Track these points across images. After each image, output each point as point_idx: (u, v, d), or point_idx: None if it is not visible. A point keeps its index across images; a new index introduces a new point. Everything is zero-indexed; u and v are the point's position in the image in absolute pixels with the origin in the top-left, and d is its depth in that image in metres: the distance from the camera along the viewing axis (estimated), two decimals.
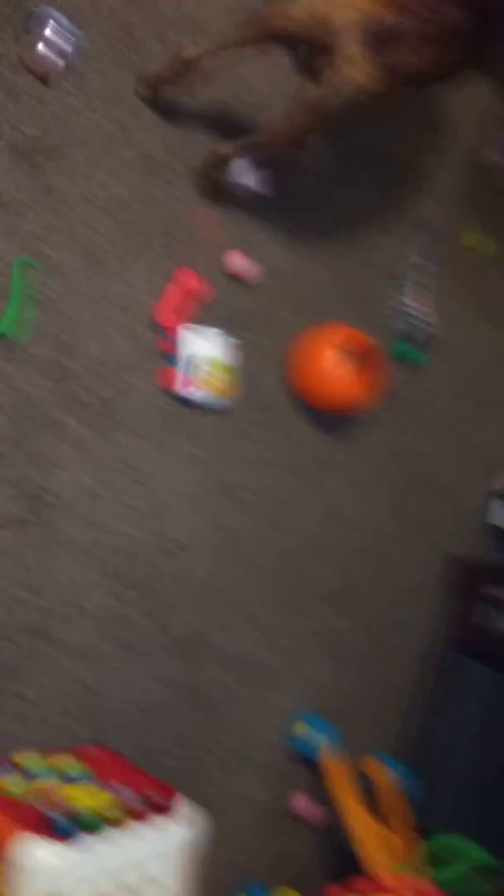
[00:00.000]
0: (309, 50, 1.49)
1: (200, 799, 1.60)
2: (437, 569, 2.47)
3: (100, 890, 1.24)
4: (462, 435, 2.64)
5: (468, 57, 1.62)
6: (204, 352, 1.69)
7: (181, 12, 1.78)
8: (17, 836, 1.17)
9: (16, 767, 1.43)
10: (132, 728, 1.69)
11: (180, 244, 1.74)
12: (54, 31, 1.47)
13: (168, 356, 1.68)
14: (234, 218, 1.87)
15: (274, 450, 1.95)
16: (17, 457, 1.52)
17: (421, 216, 2.52)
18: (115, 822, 1.29)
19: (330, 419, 2.10)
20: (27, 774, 1.40)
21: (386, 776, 2.07)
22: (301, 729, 1.97)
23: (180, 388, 1.66)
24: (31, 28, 1.46)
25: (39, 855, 1.16)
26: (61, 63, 1.52)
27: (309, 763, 1.99)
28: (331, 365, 1.87)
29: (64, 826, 1.23)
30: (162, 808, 1.39)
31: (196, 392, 1.69)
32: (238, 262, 1.83)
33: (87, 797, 1.35)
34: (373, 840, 1.81)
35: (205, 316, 1.78)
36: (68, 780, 1.41)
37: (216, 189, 1.80)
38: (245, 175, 1.85)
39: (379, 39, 1.41)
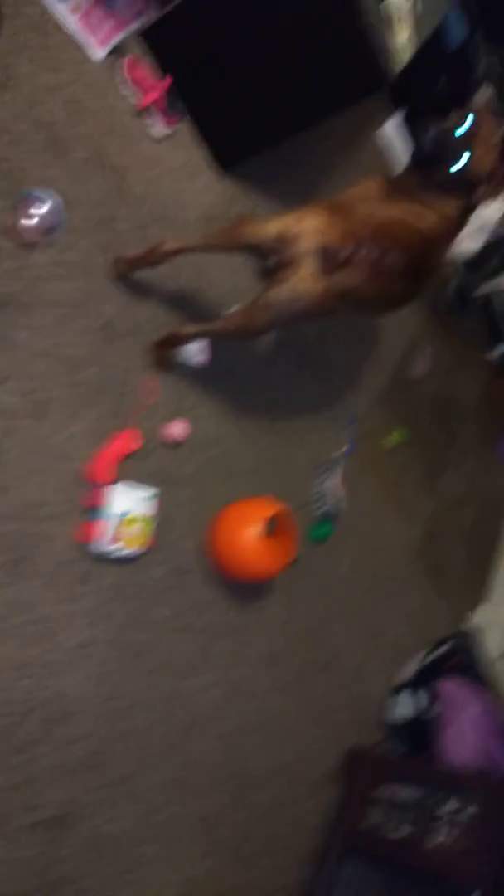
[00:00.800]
0: (273, 262, 1.71)
1: None
2: (337, 759, 2.41)
3: None
4: (370, 620, 2.71)
5: (405, 295, 1.89)
6: (135, 509, 1.73)
7: (165, 212, 2.02)
8: None
9: None
10: None
11: (127, 407, 1.84)
12: (48, 211, 1.63)
13: (92, 511, 1.70)
14: (180, 388, 2.01)
15: (188, 615, 1.94)
16: None
17: (350, 410, 2.76)
18: None
19: (246, 589, 2.13)
20: None
21: None
22: None
23: (107, 543, 1.67)
24: (26, 204, 1.62)
25: None
26: (48, 236, 1.69)
27: None
28: (254, 540, 1.93)
29: None
30: None
31: (122, 548, 1.70)
32: (178, 430, 1.94)
33: None
34: None
35: (141, 474, 1.84)
36: None
37: (168, 363, 1.95)
38: (196, 355, 2.01)
39: (335, 264, 1.64)
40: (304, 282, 1.66)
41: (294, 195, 2.43)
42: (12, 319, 1.60)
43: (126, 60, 1.94)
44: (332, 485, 2.51)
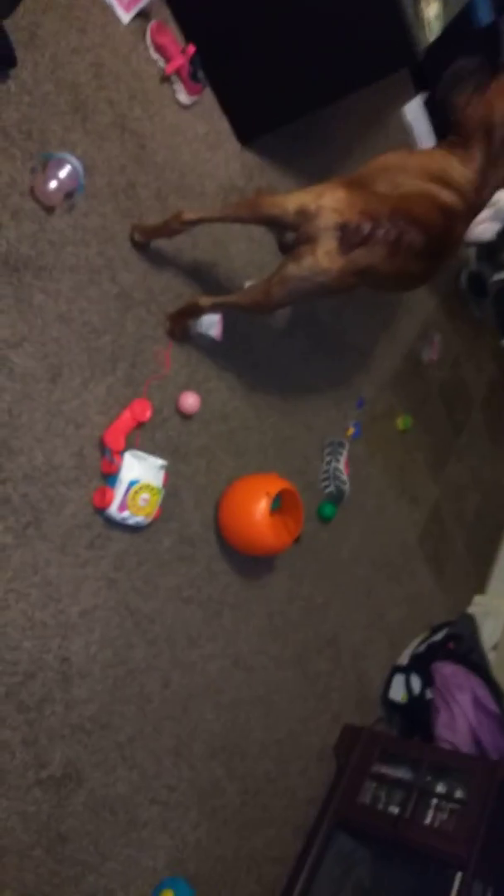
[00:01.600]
0: (292, 237, 1.70)
1: None
2: (332, 736, 2.43)
3: None
4: (370, 602, 2.72)
5: (422, 275, 1.88)
6: (144, 479, 1.74)
7: (183, 181, 2.01)
8: None
9: None
10: None
11: (141, 376, 1.84)
12: (68, 175, 1.62)
13: (107, 477, 1.71)
14: (192, 361, 2.00)
15: (192, 586, 1.95)
16: None
17: (359, 392, 2.75)
18: None
19: (251, 564, 2.14)
20: None
21: None
22: None
23: (115, 510, 1.68)
24: (48, 167, 1.61)
25: None
26: (67, 200, 1.67)
27: None
28: (261, 515, 1.94)
29: None
30: None
31: (130, 517, 1.71)
32: (191, 401, 1.94)
33: None
34: None
35: (151, 445, 1.85)
36: None
37: (183, 334, 1.94)
38: (211, 327, 2.01)
39: (352, 241, 1.63)
40: (322, 259, 1.65)
41: (314, 172, 2.42)
42: (29, 282, 1.60)
43: (151, 25, 1.91)
44: (339, 466, 2.52)
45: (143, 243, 1.84)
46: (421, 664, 2.77)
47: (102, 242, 1.76)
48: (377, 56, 1.85)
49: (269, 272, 2.13)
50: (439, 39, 1.90)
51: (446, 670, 2.68)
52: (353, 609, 2.62)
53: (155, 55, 1.94)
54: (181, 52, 1.94)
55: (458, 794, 2.24)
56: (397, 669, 2.79)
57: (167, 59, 1.94)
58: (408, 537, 3.00)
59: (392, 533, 2.89)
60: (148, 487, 1.74)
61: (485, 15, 2.60)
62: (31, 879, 1.52)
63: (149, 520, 1.78)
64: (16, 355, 1.56)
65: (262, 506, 1.94)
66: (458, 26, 2.08)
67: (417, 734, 2.67)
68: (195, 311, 1.87)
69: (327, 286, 1.71)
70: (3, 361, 1.54)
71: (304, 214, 1.65)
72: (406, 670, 2.77)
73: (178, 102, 2.01)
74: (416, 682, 2.72)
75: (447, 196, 1.85)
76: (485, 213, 3.06)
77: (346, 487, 2.52)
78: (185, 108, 2.03)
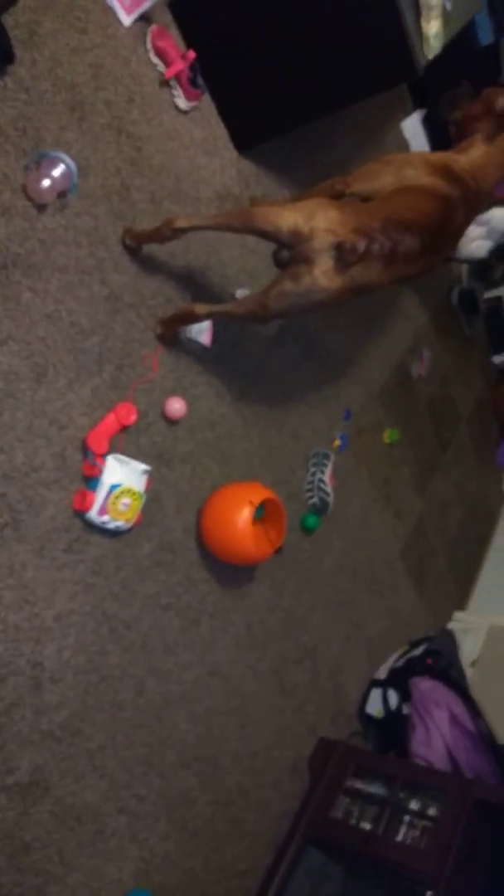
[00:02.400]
0: (288, 255, 1.70)
1: None
2: (307, 749, 2.41)
3: None
4: (351, 615, 2.71)
5: (423, 271, 1.87)
6: (126, 483, 1.72)
7: (179, 186, 2.00)
8: None
9: None
10: None
11: (128, 379, 1.82)
12: (62, 174, 1.60)
13: (89, 480, 1.69)
14: (180, 366, 1.99)
15: (171, 594, 1.93)
16: None
17: (347, 404, 2.75)
18: None
19: (232, 573, 2.13)
20: None
21: None
22: None
23: (95, 514, 1.66)
24: (42, 165, 1.59)
25: None
26: (60, 200, 1.66)
27: None
28: (243, 523, 1.92)
29: None
30: None
31: (110, 521, 1.69)
32: (177, 406, 1.93)
33: None
34: None
35: (134, 449, 1.83)
36: None
37: (173, 339, 1.93)
38: (201, 333, 2.00)
39: (349, 260, 1.63)
40: (320, 279, 1.65)
41: (310, 182, 2.41)
42: (17, 280, 1.58)
43: (152, 29, 1.91)
44: (323, 477, 2.51)
45: (135, 247, 1.83)
46: (399, 679, 2.76)
47: (94, 243, 1.75)
48: (377, 70, 1.85)
49: (261, 279, 2.13)
50: (440, 57, 1.91)
51: (424, 686, 2.67)
52: (333, 621, 2.60)
53: (155, 59, 1.93)
54: (181, 58, 1.94)
55: (432, 811, 2.23)
56: (375, 683, 2.78)
57: (167, 64, 1.93)
58: (390, 551, 2.99)
59: (375, 546, 2.88)
60: (129, 492, 1.72)
61: (485, 36, 2.62)
62: None
63: (129, 525, 1.76)
64: (0, 353, 1.54)
65: (245, 514, 1.93)
66: (459, 45, 2.10)
67: (393, 750, 2.65)
68: (189, 318, 1.86)
69: (325, 303, 1.72)
70: None
71: (297, 235, 1.64)
72: (384, 685, 2.76)
73: (176, 107, 2.00)
74: (393, 697, 2.71)
75: (445, 186, 1.85)
76: (477, 231, 3.07)
77: (330, 499, 2.51)
78: (183, 113, 2.03)
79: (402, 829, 2.22)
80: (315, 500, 2.49)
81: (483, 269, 3.62)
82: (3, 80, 1.56)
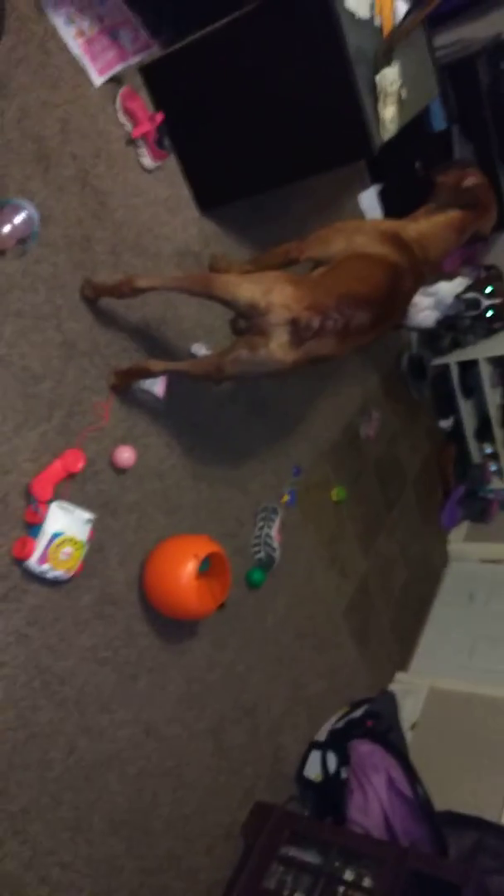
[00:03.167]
0: (244, 325, 1.75)
1: None
2: (242, 813, 2.34)
3: None
4: (292, 673, 2.68)
5: (374, 339, 1.93)
6: (69, 531, 1.68)
7: (140, 241, 2.04)
8: None
9: None
10: None
11: (77, 426, 1.81)
12: (23, 221, 1.62)
13: (31, 527, 1.65)
14: (132, 415, 1.99)
15: (109, 647, 1.88)
16: None
17: (296, 460, 2.78)
18: None
19: (173, 627, 2.09)
20: None
21: None
22: None
23: (35, 562, 1.62)
24: (3, 211, 1.61)
25: None
26: (20, 246, 1.67)
27: None
28: (187, 577, 1.90)
29: None
30: None
31: (49, 570, 1.65)
32: (126, 455, 1.92)
33: None
34: None
35: (80, 497, 1.80)
36: None
37: (126, 389, 1.94)
38: (154, 384, 2.01)
39: (303, 336, 1.68)
40: (275, 351, 1.70)
41: (268, 244, 2.49)
42: None
43: (123, 90, 1.97)
44: (270, 532, 2.51)
45: (93, 298, 1.84)
46: (338, 741, 2.72)
47: (51, 290, 1.76)
48: (336, 147, 1.95)
49: (217, 336, 2.17)
50: (395, 139, 2.03)
51: (363, 749, 2.64)
52: (275, 679, 2.57)
53: (123, 118, 1.99)
54: (149, 119, 2.01)
55: (366, 882, 2.17)
56: (315, 745, 2.73)
57: (135, 124, 2.00)
58: (334, 609, 2.99)
59: (319, 603, 2.87)
60: (72, 541, 1.69)
61: (438, 123, 2.79)
62: None
63: (69, 574, 1.72)
64: None
65: (190, 568, 1.91)
66: (417, 127, 2.23)
67: (330, 815, 2.59)
68: (144, 374, 1.88)
69: (280, 372, 1.77)
70: None
71: (255, 308, 1.69)
72: (323, 747, 2.71)
73: (141, 165, 2.06)
74: (332, 760, 2.66)
75: (394, 255, 1.91)
76: (426, 301, 3.21)
77: (277, 554, 2.51)
78: (148, 171, 2.08)
79: None
80: (262, 554, 2.48)
81: (431, 337, 3.76)
82: None
